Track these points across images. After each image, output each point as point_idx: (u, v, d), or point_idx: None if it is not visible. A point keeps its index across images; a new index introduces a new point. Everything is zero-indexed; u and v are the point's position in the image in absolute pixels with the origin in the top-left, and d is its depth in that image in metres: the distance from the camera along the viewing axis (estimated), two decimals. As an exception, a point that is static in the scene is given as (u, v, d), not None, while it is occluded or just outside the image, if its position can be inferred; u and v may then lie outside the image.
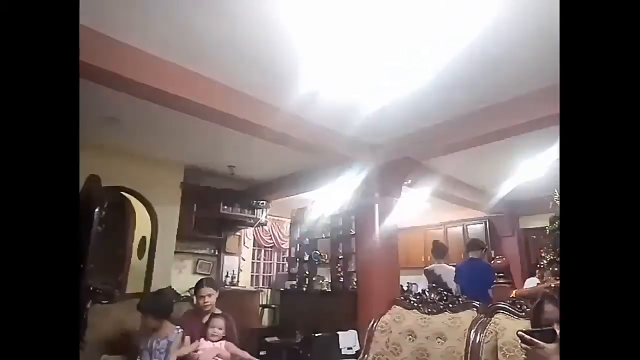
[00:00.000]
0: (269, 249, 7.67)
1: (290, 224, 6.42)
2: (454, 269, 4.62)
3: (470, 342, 2.07)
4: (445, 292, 2.44)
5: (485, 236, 7.06)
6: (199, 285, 2.70)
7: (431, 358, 2.19)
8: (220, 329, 2.49)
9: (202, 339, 2.47)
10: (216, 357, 2.41)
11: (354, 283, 4.90)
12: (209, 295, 2.64)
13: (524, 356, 1.45)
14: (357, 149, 4.33)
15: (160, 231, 5.08)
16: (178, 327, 2.46)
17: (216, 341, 2.46)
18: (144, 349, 2.34)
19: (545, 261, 3.84)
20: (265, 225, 6.85)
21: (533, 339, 1.36)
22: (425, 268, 4.91)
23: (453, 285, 4.36)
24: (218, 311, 2.67)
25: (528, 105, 3.22)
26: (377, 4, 2.24)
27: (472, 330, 2.11)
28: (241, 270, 6.70)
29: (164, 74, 2.83)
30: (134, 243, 5.53)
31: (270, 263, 7.71)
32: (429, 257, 5.24)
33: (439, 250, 4.92)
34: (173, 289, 3.38)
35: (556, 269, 3.57)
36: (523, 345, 1.40)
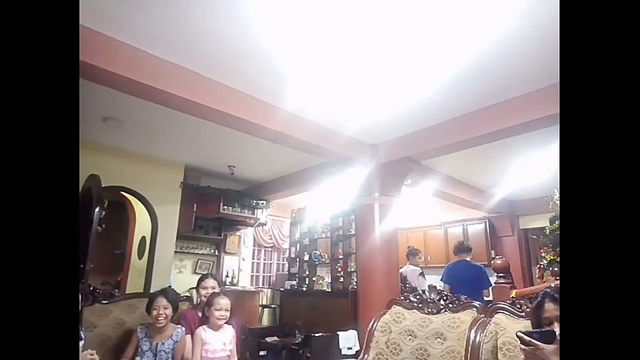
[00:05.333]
0: (269, 249, 7.67)
1: (290, 224, 6.41)
2: (418, 268, 5.34)
3: (470, 342, 2.07)
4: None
5: (486, 236, 7.06)
6: (204, 277, 2.74)
7: (431, 358, 2.19)
8: (227, 310, 2.38)
9: (204, 327, 2.36)
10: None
11: (354, 283, 4.90)
12: (212, 288, 2.66)
13: (523, 357, 1.44)
14: (357, 149, 4.33)
15: (160, 231, 5.08)
16: (179, 325, 2.45)
17: (223, 323, 2.37)
18: (148, 350, 2.32)
19: (545, 261, 3.84)
20: (265, 225, 6.85)
21: (532, 340, 1.36)
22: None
23: (417, 283, 5.06)
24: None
25: (528, 105, 3.22)
26: (379, 5, 2.24)
27: (472, 330, 2.11)
28: (241, 270, 6.70)
29: (163, 74, 2.83)
30: (134, 243, 5.53)
31: (270, 263, 7.70)
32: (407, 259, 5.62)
33: (409, 252, 5.54)
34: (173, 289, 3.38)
35: (556, 269, 3.57)
36: (522, 346, 1.40)
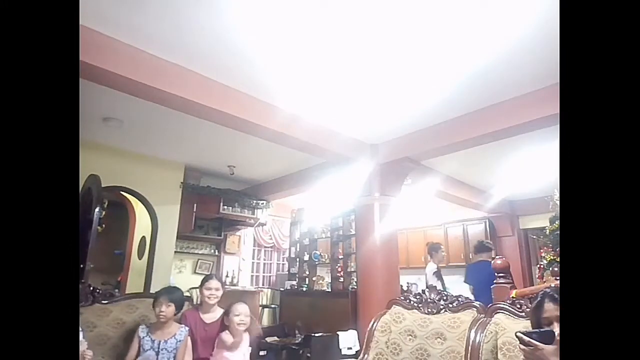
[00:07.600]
0: (269, 249, 7.67)
1: (290, 224, 6.41)
2: (434, 267, 5.07)
3: (470, 342, 2.07)
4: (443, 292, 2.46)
5: (485, 236, 7.05)
6: (208, 278, 2.71)
7: (431, 358, 2.19)
8: (247, 315, 2.38)
9: (227, 332, 2.36)
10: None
11: (354, 283, 4.90)
12: (217, 289, 2.64)
13: (522, 357, 1.44)
14: (357, 149, 4.33)
15: (160, 231, 5.08)
16: (183, 325, 2.45)
17: (244, 331, 2.37)
18: (149, 349, 2.31)
19: (545, 261, 3.84)
20: (265, 225, 6.85)
21: (531, 340, 1.36)
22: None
23: (432, 281, 4.94)
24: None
25: (528, 105, 3.23)
26: (379, 6, 2.24)
27: (472, 330, 2.11)
28: (241, 270, 6.70)
29: (163, 74, 2.83)
30: (134, 243, 5.53)
31: (270, 263, 7.70)
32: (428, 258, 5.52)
33: (430, 248, 5.33)
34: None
35: (556, 269, 3.57)
36: (522, 346, 1.40)
